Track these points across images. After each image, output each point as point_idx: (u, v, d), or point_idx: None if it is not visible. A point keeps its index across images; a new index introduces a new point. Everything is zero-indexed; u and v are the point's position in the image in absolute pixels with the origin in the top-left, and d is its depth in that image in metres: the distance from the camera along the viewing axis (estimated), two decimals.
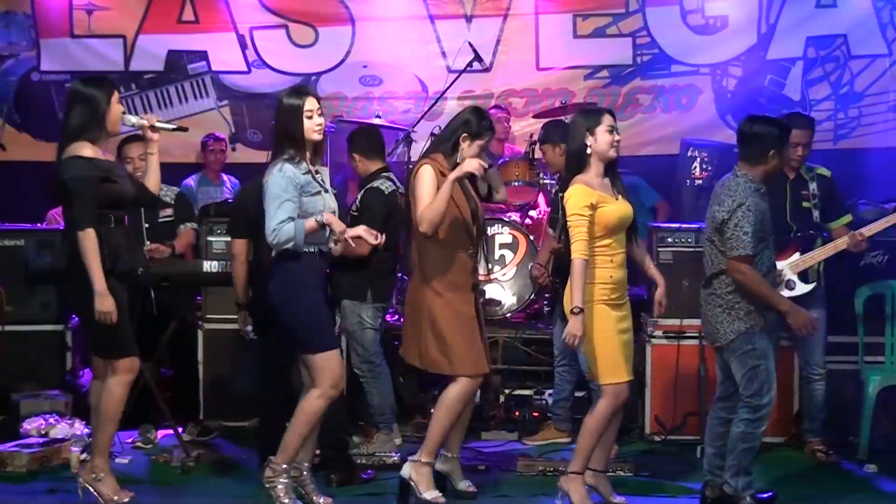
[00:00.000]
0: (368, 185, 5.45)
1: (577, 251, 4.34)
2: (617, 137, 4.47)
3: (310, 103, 4.35)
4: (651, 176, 7.30)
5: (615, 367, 4.42)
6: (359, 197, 5.47)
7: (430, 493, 4.56)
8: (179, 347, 5.71)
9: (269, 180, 4.32)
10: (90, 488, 4.49)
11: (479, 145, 4.60)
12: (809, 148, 5.32)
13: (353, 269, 5.22)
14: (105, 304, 4.30)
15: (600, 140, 4.43)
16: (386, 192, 5.37)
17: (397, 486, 4.65)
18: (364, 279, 5.35)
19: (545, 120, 7.39)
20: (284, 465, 4.42)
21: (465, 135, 4.57)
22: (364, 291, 5.40)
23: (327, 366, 4.38)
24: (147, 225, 5.61)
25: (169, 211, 5.80)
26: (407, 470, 4.62)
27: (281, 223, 4.24)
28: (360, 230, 4.41)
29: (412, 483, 4.58)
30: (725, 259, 4.43)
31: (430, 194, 4.49)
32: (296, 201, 4.28)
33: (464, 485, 4.78)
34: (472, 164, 4.49)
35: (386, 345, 5.64)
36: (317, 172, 4.42)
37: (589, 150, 4.44)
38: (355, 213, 5.44)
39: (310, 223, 4.28)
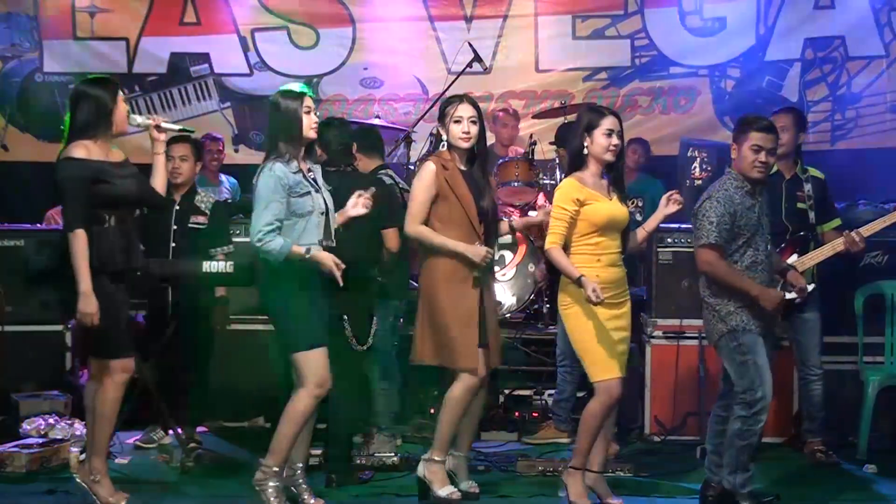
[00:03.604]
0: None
1: (549, 242, 4.38)
2: (615, 141, 4.43)
3: (307, 101, 4.40)
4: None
5: (605, 363, 4.40)
6: None
7: (445, 490, 4.59)
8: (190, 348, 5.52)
9: (259, 180, 4.34)
10: (87, 488, 4.47)
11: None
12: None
13: None
14: (88, 305, 4.23)
15: (596, 142, 4.43)
16: (386, 183, 5.39)
17: (416, 485, 4.67)
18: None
19: (544, 121, 7.42)
20: (276, 468, 4.39)
21: (441, 125, 4.66)
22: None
23: (311, 365, 4.34)
24: (175, 227, 5.44)
25: (202, 218, 5.53)
26: (421, 469, 4.65)
27: (268, 226, 4.24)
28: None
29: (427, 481, 4.61)
30: None
31: (419, 192, 4.57)
32: (283, 202, 4.28)
33: (466, 485, 4.77)
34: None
35: None
36: (309, 171, 4.43)
37: (586, 151, 4.45)
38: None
39: (296, 249, 4.26)
